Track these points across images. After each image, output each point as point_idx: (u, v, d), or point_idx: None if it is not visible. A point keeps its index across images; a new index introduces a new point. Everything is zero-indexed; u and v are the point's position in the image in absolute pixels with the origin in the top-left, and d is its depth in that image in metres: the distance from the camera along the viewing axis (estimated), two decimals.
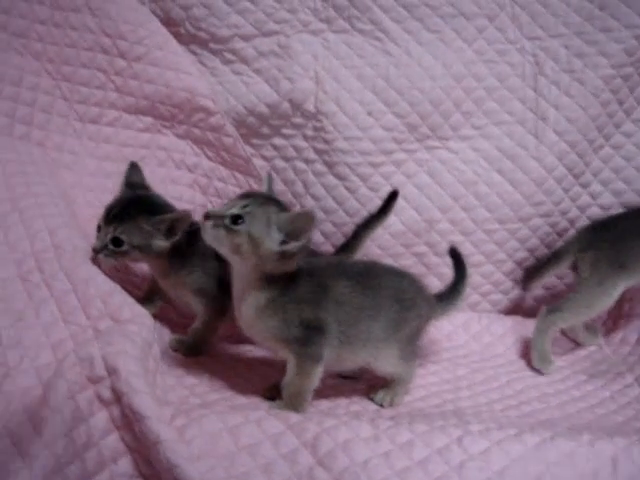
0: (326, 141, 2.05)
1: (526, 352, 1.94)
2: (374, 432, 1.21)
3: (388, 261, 2.01)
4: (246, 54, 2.05)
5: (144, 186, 1.73)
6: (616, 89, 2.10)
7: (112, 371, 1.19)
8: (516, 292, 2.16)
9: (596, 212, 2.14)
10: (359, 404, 1.59)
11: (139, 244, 1.60)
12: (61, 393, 1.18)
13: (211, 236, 1.41)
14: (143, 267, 1.84)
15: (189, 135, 2.07)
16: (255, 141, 2.08)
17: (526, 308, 2.16)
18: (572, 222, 2.14)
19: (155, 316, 1.52)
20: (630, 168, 2.14)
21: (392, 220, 1.97)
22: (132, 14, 1.99)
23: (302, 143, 2.07)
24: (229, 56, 2.06)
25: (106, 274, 1.53)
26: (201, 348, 1.74)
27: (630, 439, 1.22)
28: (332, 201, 2.07)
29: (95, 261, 1.57)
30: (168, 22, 2.04)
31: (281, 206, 1.45)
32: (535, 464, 1.16)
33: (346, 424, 1.22)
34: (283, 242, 1.39)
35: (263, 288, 1.43)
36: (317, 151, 2.06)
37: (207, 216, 1.41)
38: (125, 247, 1.59)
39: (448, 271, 1.86)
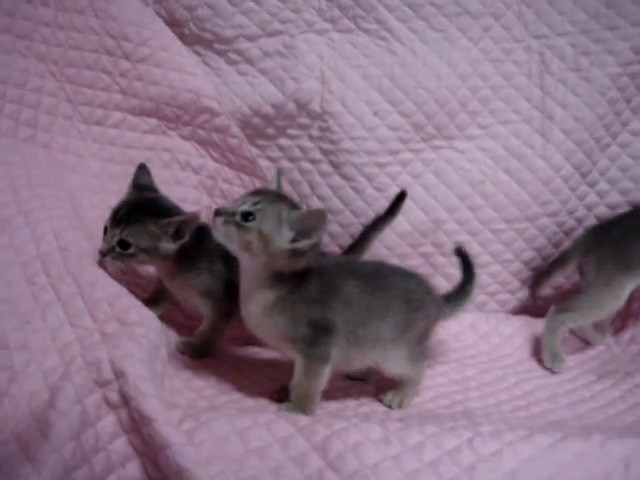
0: (332, 141, 2.04)
1: (535, 352, 1.94)
2: (384, 434, 1.20)
3: (395, 261, 2.00)
4: (251, 54, 2.05)
5: (152, 188, 1.72)
6: (623, 87, 2.09)
7: (120, 374, 1.19)
8: (524, 292, 2.15)
9: (603, 211, 2.13)
10: (368, 406, 1.58)
11: (146, 247, 1.59)
12: (68, 397, 1.18)
13: (221, 233, 1.40)
14: (148, 269, 1.84)
15: (194, 136, 2.06)
16: (260, 142, 2.08)
17: (534, 308, 2.14)
18: (579, 221, 2.13)
19: (161, 318, 1.52)
20: (637, 166, 2.13)
21: (399, 220, 1.95)
22: (136, 15, 1.99)
23: (308, 143, 2.06)
24: (234, 56, 2.05)
25: (112, 277, 1.53)
26: (208, 350, 1.74)
27: None
28: (338, 201, 2.06)
29: (101, 264, 1.56)
30: (172, 23, 2.03)
31: (292, 204, 1.45)
32: (546, 465, 1.15)
33: (356, 426, 1.22)
34: (294, 240, 1.38)
35: (272, 286, 1.42)
36: (323, 151, 2.06)
37: (218, 212, 1.40)
38: (132, 250, 1.58)
39: (455, 271, 1.86)
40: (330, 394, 1.51)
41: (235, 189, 2.08)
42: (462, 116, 2.08)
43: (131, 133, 2.01)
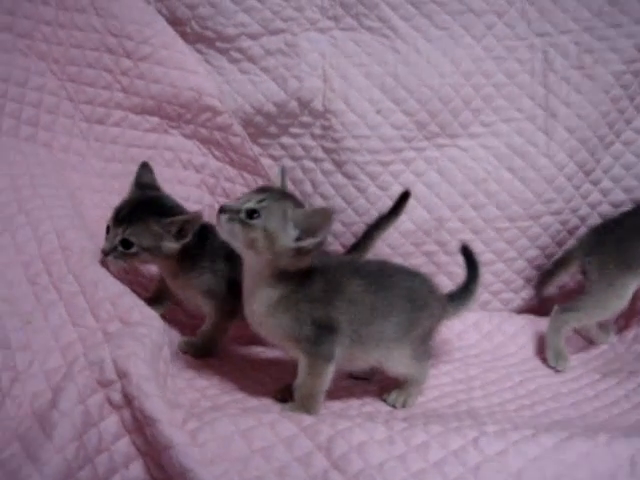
0: (335, 140, 2.03)
1: (538, 351, 1.94)
2: (389, 434, 1.20)
3: (398, 260, 2.00)
4: (253, 53, 2.04)
5: (155, 187, 1.72)
6: (627, 85, 2.08)
7: (122, 374, 1.18)
8: (527, 290, 2.14)
9: (607, 209, 2.13)
10: (372, 405, 1.57)
11: (149, 246, 1.58)
12: (71, 397, 1.18)
13: (226, 230, 1.39)
14: (151, 268, 1.83)
15: (196, 135, 2.06)
16: (263, 140, 2.07)
17: (537, 306, 2.14)
18: (583, 219, 2.13)
19: (164, 317, 1.51)
20: None
21: (402, 219, 1.95)
22: (138, 13, 1.98)
23: (310, 142, 2.06)
24: (236, 55, 2.04)
25: (114, 276, 1.52)
26: (211, 350, 1.73)
27: None
28: (341, 200, 2.06)
29: (103, 263, 1.55)
30: (174, 21, 2.02)
31: (297, 202, 1.44)
32: (552, 465, 1.15)
33: (360, 426, 1.21)
34: (299, 238, 1.38)
35: (276, 285, 1.41)
36: (326, 150, 2.05)
37: (222, 209, 1.39)
38: (135, 249, 1.57)
39: (458, 270, 1.85)
40: (334, 394, 1.50)
41: (237, 188, 2.07)
42: (465, 114, 2.07)
43: (133, 132, 2.00)
